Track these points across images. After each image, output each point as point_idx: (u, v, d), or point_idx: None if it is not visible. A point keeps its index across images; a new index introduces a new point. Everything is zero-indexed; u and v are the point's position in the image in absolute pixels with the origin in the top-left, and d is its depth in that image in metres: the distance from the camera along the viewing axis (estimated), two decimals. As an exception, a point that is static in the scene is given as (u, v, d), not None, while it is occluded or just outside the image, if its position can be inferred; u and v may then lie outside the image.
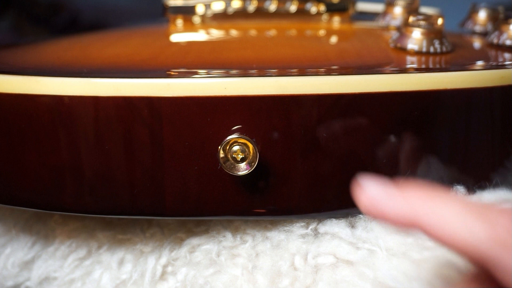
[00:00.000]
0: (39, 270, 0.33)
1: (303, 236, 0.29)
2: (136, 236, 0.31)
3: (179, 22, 0.41)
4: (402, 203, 0.23)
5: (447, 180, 0.29)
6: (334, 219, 0.29)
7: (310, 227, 0.29)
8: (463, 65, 0.31)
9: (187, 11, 0.41)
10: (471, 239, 0.21)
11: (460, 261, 0.25)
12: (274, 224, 0.30)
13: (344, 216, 0.29)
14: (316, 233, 0.29)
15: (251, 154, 0.26)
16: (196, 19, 0.41)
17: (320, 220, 0.29)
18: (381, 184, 0.24)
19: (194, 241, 0.30)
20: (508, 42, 0.34)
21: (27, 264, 0.33)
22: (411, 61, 0.31)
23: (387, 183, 0.24)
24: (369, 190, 0.24)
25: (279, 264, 0.28)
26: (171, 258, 0.30)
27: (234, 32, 0.38)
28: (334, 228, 0.28)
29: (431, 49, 0.32)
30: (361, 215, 0.28)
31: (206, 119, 0.27)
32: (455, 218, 0.21)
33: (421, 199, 0.23)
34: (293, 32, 0.39)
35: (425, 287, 0.25)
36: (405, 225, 0.23)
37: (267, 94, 0.27)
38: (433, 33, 0.32)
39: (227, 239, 0.30)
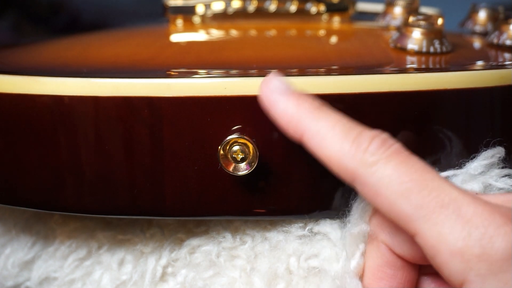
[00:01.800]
0: (39, 270, 0.33)
1: (300, 237, 0.29)
2: (136, 236, 0.31)
3: (179, 22, 0.41)
4: (292, 107, 0.24)
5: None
6: (328, 219, 0.28)
7: (308, 228, 0.29)
8: (463, 65, 0.31)
9: (187, 11, 0.41)
10: (343, 158, 0.22)
11: None
12: (273, 225, 0.30)
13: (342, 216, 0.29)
14: (312, 234, 0.29)
15: (251, 154, 0.26)
16: (196, 19, 0.41)
17: (316, 220, 0.29)
18: (286, 83, 0.25)
19: (194, 242, 0.30)
20: (508, 42, 0.34)
21: (27, 264, 0.33)
22: (411, 61, 0.31)
23: (290, 85, 0.25)
24: (272, 82, 0.25)
25: (275, 266, 0.28)
26: (171, 259, 0.30)
27: (234, 32, 0.38)
28: (326, 228, 0.28)
29: (431, 49, 0.32)
30: None
31: (206, 119, 0.27)
32: (332, 137, 0.23)
33: (309, 112, 0.24)
34: (293, 32, 0.39)
35: None
36: (291, 133, 0.24)
37: (267, 94, 0.26)
38: (433, 33, 0.32)
39: (227, 240, 0.30)
